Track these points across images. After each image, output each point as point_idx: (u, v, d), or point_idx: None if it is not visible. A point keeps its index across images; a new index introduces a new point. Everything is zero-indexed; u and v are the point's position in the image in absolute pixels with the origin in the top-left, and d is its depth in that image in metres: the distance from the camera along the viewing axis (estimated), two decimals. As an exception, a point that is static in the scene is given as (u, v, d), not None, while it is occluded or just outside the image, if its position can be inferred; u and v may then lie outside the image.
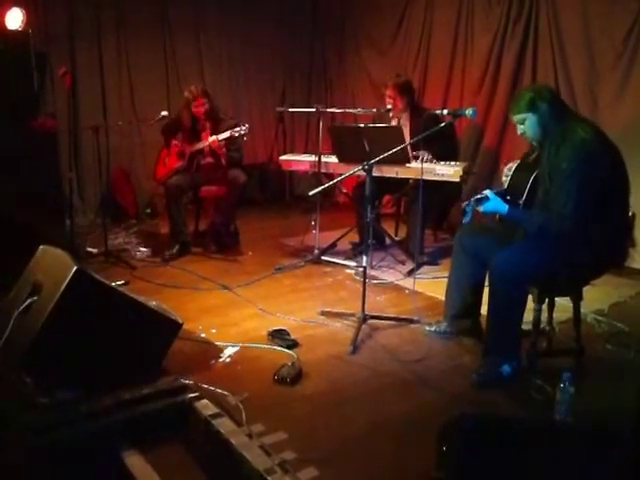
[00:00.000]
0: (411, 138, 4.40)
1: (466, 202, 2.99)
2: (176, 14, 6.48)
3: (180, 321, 2.86)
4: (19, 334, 2.48)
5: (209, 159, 4.92)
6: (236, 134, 4.66)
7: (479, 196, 2.96)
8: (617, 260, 3.08)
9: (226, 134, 4.68)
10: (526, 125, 2.84)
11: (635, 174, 2.99)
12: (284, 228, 5.79)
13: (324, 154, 4.67)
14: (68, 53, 5.90)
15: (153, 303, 2.87)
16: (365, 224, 3.73)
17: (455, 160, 4.52)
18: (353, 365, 3.07)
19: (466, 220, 2.97)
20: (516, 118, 2.87)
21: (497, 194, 2.98)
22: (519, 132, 2.92)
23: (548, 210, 2.76)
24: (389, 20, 6.43)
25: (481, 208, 2.95)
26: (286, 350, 3.17)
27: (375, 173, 3.58)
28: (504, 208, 2.90)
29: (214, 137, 4.72)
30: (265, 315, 3.67)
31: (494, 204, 2.92)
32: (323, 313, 3.68)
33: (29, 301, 2.54)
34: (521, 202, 2.98)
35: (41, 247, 2.88)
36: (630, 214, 4.01)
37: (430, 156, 4.40)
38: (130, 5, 6.17)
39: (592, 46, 4.67)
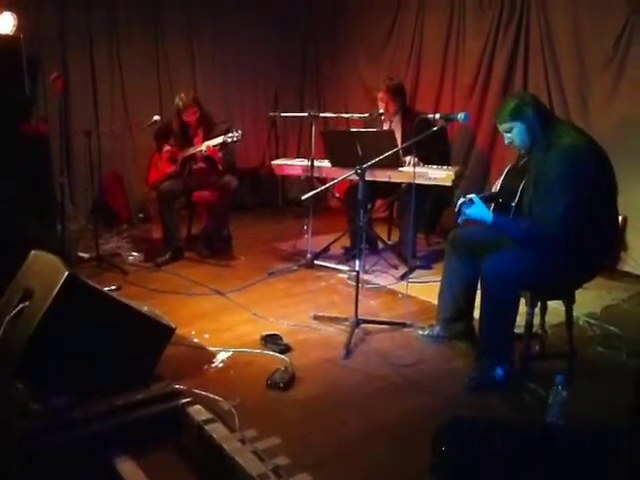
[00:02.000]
0: (403, 142, 4.40)
1: (459, 200, 2.94)
2: (168, 17, 6.46)
3: (173, 326, 2.84)
4: (11, 340, 2.46)
5: (201, 164, 4.90)
6: (229, 140, 4.62)
7: (466, 197, 2.91)
8: (607, 263, 3.08)
9: (219, 139, 4.66)
10: (514, 134, 2.81)
11: (625, 177, 3.01)
12: (277, 233, 5.78)
13: (317, 159, 4.67)
14: (60, 57, 5.88)
15: (145, 308, 2.85)
16: (357, 228, 3.73)
17: (447, 164, 4.53)
18: (346, 369, 3.07)
19: (462, 218, 2.92)
20: (503, 127, 2.85)
21: (484, 198, 2.96)
22: (506, 141, 2.89)
23: (534, 216, 2.76)
24: (381, 24, 6.44)
25: (465, 212, 2.90)
26: (279, 355, 3.16)
27: (368, 177, 3.59)
28: (489, 217, 2.85)
29: (207, 143, 4.70)
30: (258, 320, 3.67)
31: (479, 211, 2.87)
32: (316, 317, 3.68)
33: (21, 306, 2.51)
34: (513, 204, 2.98)
35: (32, 252, 2.86)
36: (621, 217, 4.02)
37: (416, 159, 4.36)
38: (122, 9, 6.15)
39: (583, 50, 4.70)
